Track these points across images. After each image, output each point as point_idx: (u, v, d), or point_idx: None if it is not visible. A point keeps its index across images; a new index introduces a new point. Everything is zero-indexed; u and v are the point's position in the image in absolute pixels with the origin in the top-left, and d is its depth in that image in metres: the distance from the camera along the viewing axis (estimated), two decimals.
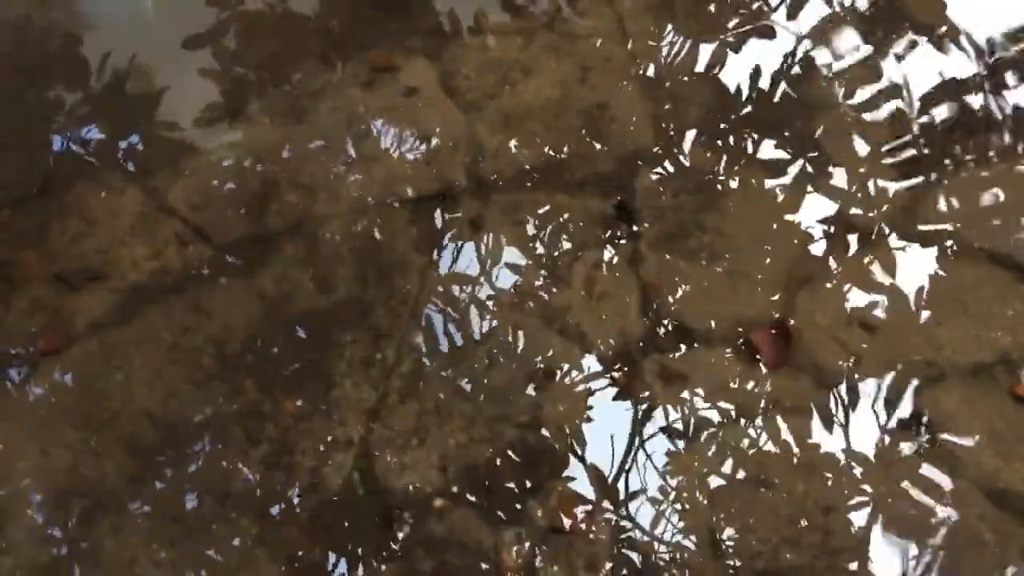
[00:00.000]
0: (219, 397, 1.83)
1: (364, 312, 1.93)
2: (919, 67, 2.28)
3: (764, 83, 2.26)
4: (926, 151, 2.14)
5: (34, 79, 2.28)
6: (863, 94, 2.24)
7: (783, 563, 1.67)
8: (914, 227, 2.03)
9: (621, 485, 1.75)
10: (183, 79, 2.27)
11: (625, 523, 1.71)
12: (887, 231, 2.02)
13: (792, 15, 2.39)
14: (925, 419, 1.80)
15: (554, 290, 1.96)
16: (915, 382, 1.84)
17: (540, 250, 2.01)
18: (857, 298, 1.94)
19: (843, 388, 1.84)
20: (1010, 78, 2.26)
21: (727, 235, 2.02)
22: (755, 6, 2.39)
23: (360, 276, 1.98)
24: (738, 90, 2.25)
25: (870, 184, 2.09)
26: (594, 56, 2.29)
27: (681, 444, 1.79)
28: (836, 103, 2.22)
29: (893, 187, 2.09)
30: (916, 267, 1.98)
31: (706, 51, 2.31)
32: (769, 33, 2.34)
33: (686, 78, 2.26)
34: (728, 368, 1.86)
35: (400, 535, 1.70)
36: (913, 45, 2.33)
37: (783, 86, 2.25)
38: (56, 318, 1.92)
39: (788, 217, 2.05)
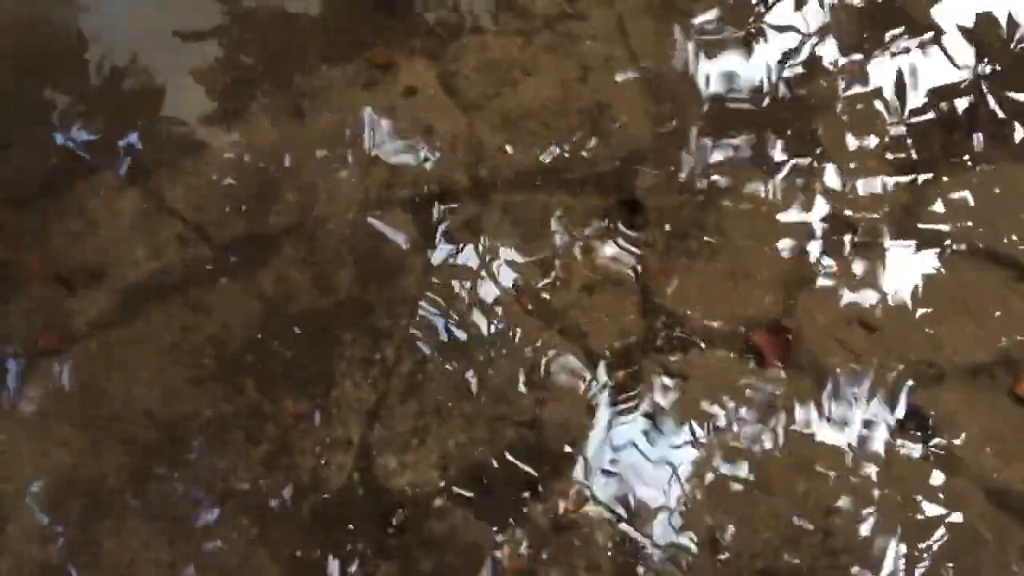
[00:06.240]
0: (219, 397, 1.83)
1: (364, 312, 1.93)
2: (919, 65, 2.28)
3: (764, 83, 2.26)
4: (925, 150, 2.14)
5: (34, 79, 2.28)
6: (862, 93, 2.23)
7: (783, 563, 1.67)
8: (913, 226, 2.03)
9: (620, 486, 1.75)
10: (184, 78, 2.27)
11: (625, 525, 1.71)
12: (887, 231, 2.02)
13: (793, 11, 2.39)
14: (925, 419, 1.80)
15: (556, 287, 1.96)
16: (915, 382, 1.84)
17: (540, 250, 2.01)
18: (857, 298, 1.94)
19: (843, 388, 1.84)
20: None
21: (727, 235, 2.02)
22: (756, 8, 2.39)
23: (360, 276, 1.98)
24: (738, 90, 2.25)
25: (869, 184, 2.09)
26: (594, 56, 2.29)
27: (680, 443, 1.79)
28: (835, 102, 2.22)
29: (892, 186, 2.09)
30: (916, 267, 1.98)
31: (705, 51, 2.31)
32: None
33: (684, 79, 2.26)
34: (728, 368, 1.86)
35: (400, 535, 1.70)
36: (914, 41, 2.32)
37: (784, 85, 2.25)
38: (56, 318, 1.92)
39: (788, 217, 2.05)
